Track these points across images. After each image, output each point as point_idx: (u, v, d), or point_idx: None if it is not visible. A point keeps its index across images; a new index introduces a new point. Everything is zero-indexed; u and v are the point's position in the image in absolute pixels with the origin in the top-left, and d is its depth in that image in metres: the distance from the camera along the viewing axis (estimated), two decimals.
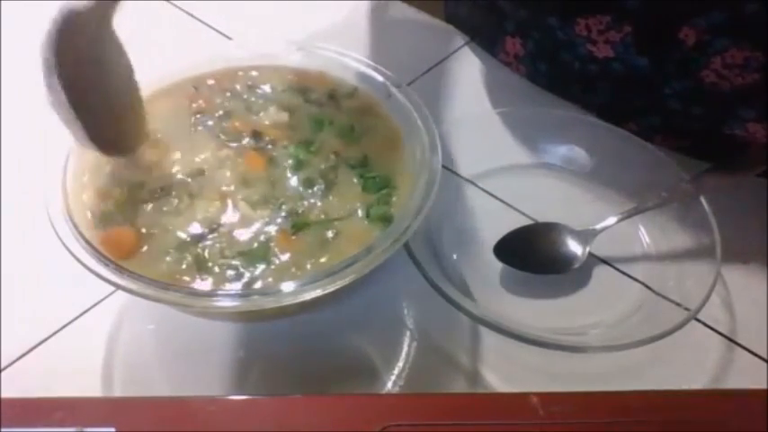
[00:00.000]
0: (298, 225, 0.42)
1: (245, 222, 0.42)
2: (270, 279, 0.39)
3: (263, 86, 0.50)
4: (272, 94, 0.49)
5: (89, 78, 0.39)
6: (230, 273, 0.39)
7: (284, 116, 0.48)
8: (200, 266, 0.40)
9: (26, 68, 0.63)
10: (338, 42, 0.51)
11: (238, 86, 0.50)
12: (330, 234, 0.41)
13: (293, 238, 0.41)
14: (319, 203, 0.43)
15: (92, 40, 0.39)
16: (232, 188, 0.43)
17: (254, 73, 0.50)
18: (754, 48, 0.45)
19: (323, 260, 0.40)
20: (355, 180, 0.44)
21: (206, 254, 0.40)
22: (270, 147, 0.46)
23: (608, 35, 0.50)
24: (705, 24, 0.45)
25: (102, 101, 0.40)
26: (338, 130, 0.47)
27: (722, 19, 0.45)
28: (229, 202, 0.43)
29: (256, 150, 0.46)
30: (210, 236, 0.41)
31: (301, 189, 0.44)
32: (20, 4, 0.69)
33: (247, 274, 0.39)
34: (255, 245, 0.41)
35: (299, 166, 0.45)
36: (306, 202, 0.43)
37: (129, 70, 0.43)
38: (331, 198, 0.43)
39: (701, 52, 0.47)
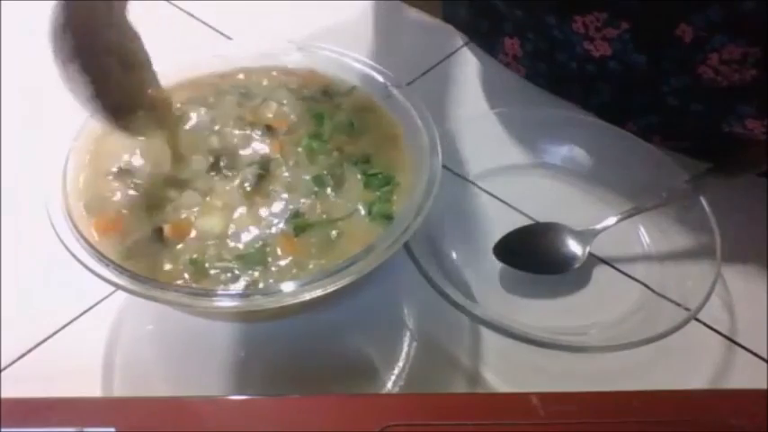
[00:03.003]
0: (300, 227, 0.42)
1: (246, 225, 0.42)
2: (271, 280, 0.39)
3: (257, 85, 0.50)
4: (268, 92, 0.49)
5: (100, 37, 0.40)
6: (227, 276, 0.39)
7: (285, 110, 0.48)
8: (198, 270, 0.40)
9: (26, 68, 0.63)
10: (338, 42, 0.51)
11: (233, 85, 0.50)
12: (334, 234, 0.41)
13: (296, 240, 0.41)
14: (323, 202, 0.43)
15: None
16: (235, 189, 0.43)
17: (240, 76, 0.50)
18: (751, 44, 0.45)
19: (324, 261, 0.40)
20: (358, 177, 0.44)
21: (203, 257, 0.40)
22: (282, 139, 0.46)
23: (605, 32, 0.50)
24: (702, 21, 0.45)
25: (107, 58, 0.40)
26: (338, 126, 0.47)
27: (719, 15, 0.45)
28: (231, 204, 0.43)
29: (270, 144, 0.46)
30: (211, 240, 0.41)
31: (311, 185, 0.43)
32: (20, 4, 0.69)
33: (244, 278, 0.39)
34: (253, 249, 0.40)
35: (312, 159, 0.45)
36: (309, 201, 0.43)
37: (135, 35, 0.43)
38: (335, 196, 0.43)
39: (699, 49, 0.47)
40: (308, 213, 0.42)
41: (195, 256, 0.40)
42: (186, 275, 0.39)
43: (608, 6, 0.49)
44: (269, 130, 0.46)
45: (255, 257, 0.40)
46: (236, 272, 0.39)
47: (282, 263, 0.40)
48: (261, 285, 0.39)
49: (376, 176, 0.44)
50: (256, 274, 0.39)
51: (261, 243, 0.41)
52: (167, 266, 0.39)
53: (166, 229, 0.41)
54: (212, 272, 0.39)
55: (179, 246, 0.41)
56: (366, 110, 0.48)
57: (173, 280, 0.39)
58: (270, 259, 0.40)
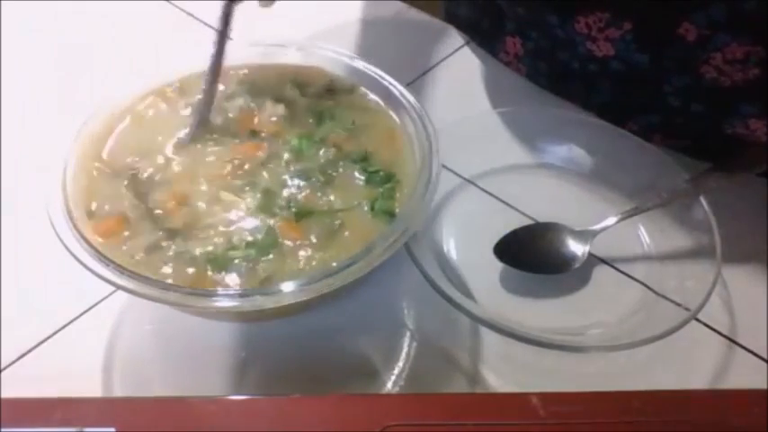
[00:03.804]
0: (301, 213, 0.42)
1: (246, 216, 0.42)
2: (283, 265, 0.39)
3: (259, 83, 0.50)
4: (269, 89, 0.49)
5: None
6: (244, 265, 0.40)
7: (280, 109, 0.48)
8: (218, 264, 0.40)
9: (26, 68, 0.63)
10: (338, 42, 0.51)
11: (235, 83, 0.50)
12: (337, 223, 0.42)
13: (297, 224, 0.41)
14: (321, 195, 0.43)
15: None
16: (231, 184, 0.43)
17: (245, 71, 0.51)
18: (754, 43, 0.45)
19: (330, 253, 0.40)
20: (357, 174, 0.44)
21: (218, 251, 0.40)
22: (268, 141, 0.46)
23: (608, 32, 0.50)
24: (705, 19, 0.45)
25: None
26: (338, 123, 0.47)
27: (722, 14, 0.45)
28: (230, 197, 0.43)
29: (255, 145, 0.46)
30: (214, 232, 0.41)
31: (300, 181, 0.44)
32: (20, 4, 0.69)
33: (260, 265, 0.40)
34: (261, 235, 0.41)
35: (299, 158, 0.45)
36: (305, 193, 0.43)
37: None
38: (333, 191, 0.43)
39: (702, 48, 0.47)
40: (306, 202, 0.43)
41: (210, 248, 0.40)
42: (209, 271, 0.39)
43: (611, 7, 0.49)
44: (268, 127, 0.47)
45: (267, 241, 0.40)
46: (252, 262, 0.40)
47: (289, 246, 0.40)
48: (277, 274, 0.39)
49: (377, 173, 0.44)
50: (271, 256, 0.40)
51: (266, 229, 0.41)
52: (190, 269, 0.40)
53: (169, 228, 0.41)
54: (231, 263, 0.40)
55: (187, 244, 0.41)
56: (366, 109, 0.48)
57: (183, 281, 0.39)
58: (279, 242, 0.40)
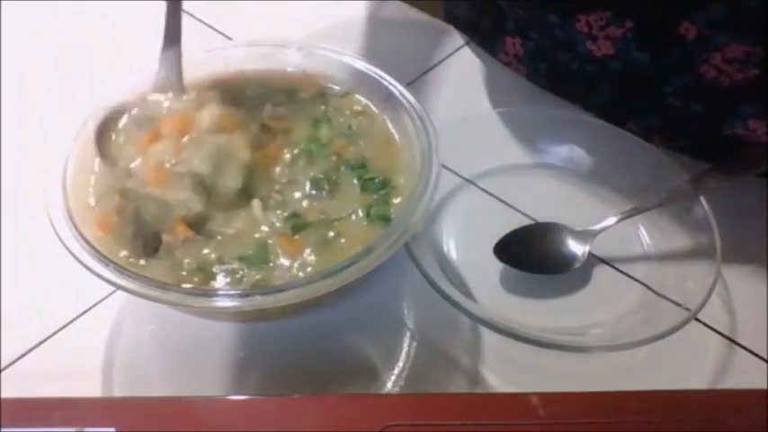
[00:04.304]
0: (298, 226, 0.42)
1: (244, 226, 0.42)
2: (272, 281, 0.39)
3: (257, 87, 0.49)
4: (264, 94, 0.49)
5: None
6: (230, 278, 0.39)
7: (280, 111, 0.48)
8: (205, 276, 0.39)
9: (26, 68, 0.63)
10: (337, 42, 0.51)
11: (233, 87, 0.49)
12: (331, 234, 0.41)
13: (295, 238, 0.41)
14: (321, 204, 0.43)
15: None
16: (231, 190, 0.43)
17: (239, 77, 0.50)
18: (754, 43, 0.45)
19: (324, 261, 0.40)
20: (355, 181, 0.44)
21: (207, 262, 0.40)
22: (283, 138, 0.46)
23: (608, 31, 0.50)
24: (705, 19, 0.45)
25: None
26: (336, 130, 0.47)
27: (722, 14, 0.45)
28: (229, 206, 0.43)
29: (276, 145, 0.46)
30: (214, 239, 0.41)
31: (308, 190, 0.43)
32: (20, 4, 0.69)
33: (249, 280, 0.39)
34: (253, 249, 0.40)
35: (311, 164, 0.45)
36: (306, 203, 0.43)
37: None
38: (332, 199, 0.43)
39: (702, 47, 0.47)
40: (306, 215, 0.42)
41: (200, 260, 0.40)
42: (195, 279, 0.39)
43: (612, 5, 0.49)
44: (267, 131, 0.46)
45: (258, 257, 0.40)
46: (240, 274, 0.40)
47: (284, 261, 0.40)
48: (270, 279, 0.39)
49: (372, 180, 0.44)
50: (260, 275, 0.40)
51: (260, 242, 0.41)
52: (172, 275, 0.39)
53: (165, 235, 0.41)
54: (218, 277, 0.39)
55: (178, 252, 0.40)
56: (362, 113, 0.48)
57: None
58: (272, 257, 0.40)
